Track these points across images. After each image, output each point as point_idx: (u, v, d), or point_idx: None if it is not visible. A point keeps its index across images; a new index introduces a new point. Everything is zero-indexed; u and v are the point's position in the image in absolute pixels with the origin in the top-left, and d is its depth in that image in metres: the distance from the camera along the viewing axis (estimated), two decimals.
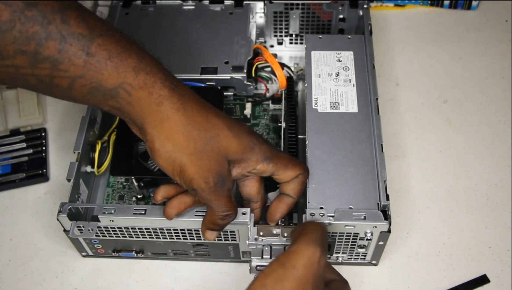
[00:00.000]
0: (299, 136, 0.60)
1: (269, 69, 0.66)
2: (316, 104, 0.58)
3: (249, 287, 0.39)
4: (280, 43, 0.74)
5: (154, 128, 0.45)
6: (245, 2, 0.69)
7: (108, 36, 0.43)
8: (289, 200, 0.51)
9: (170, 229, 0.53)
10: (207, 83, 0.63)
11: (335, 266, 0.57)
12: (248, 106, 0.67)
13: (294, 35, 0.73)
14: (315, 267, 0.40)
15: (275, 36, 0.74)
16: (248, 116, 0.67)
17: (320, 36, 0.64)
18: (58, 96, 0.45)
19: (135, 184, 0.60)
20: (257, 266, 0.50)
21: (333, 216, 0.50)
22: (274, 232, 0.50)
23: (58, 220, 0.52)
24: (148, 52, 0.46)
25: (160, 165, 0.46)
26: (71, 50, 0.41)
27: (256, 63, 0.64)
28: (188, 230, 0.53)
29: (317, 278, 0.40)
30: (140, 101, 0.44)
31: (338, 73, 0.61)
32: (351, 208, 0.51)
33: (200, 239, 0.54)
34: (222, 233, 0.52)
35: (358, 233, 0.51)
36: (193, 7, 0.69)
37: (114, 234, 0.54)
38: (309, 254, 0.40)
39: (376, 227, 0.50)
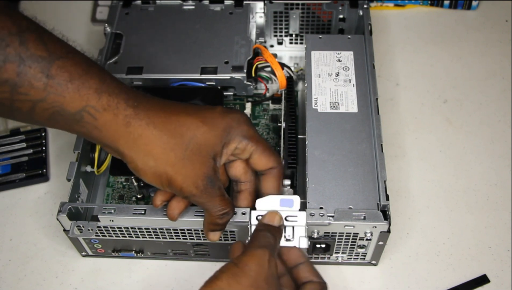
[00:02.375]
0: (299, 136, 0.60)
1: (269, 69, 0.66)
2: (316, 104, 0.58)
3: (206, 282, 0.41)
4: (280, 43, 0.74)
5: (129, 149, 0.44)
6: (245, 2, 0.69)
7: (68, 58, 0.42)
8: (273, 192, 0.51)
9: (170, 229, 0.53)
10: (207, 83, 0.63)
11: (335, 266, 0.58)
12: (248, 106, 0.67)
13: (294, 35, 0.73)
14: (266, 266, 0.43)
15: (275, 36, 0.74)
16: (248, 116, 0.67)
17: (320, 36, 0.64)
18: (20, 120, 0.44)
19: (135, 184, 0.60)
20: None
21: (333, 216, 0.50)
22: None
23: (58, 220, 0.53)
24: (109, 73, 0.45)
25: (148, 181, 0.46)
26: (31, 73, 0.40)
27: (256, 63, 0.64)
28: (188, 230, 0.53)
29: (269, 276, 0.43)
30: (107, 124, 0.43)
31: (338, 73, 0.61)
32: (350, 208, 0.51)
33: (200, 239, 0.54)
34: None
35: (358, 233, 0.51)
36: (193, 7, 0.69)
37: (114, 234, 0.54)
38: (259, 256, 0.43)
39: (376, 227, 0.50)
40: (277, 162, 0.50)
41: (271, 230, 0.47)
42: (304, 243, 0.49)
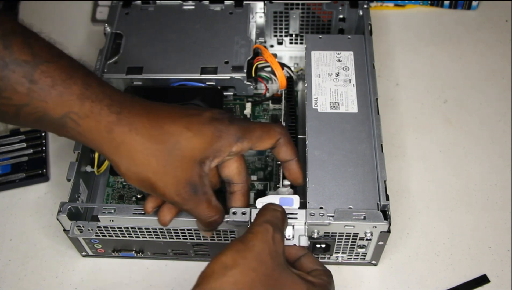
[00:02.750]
0: (299, 136, 0.60)
1: (269, 69, 0.66)
2: (316, 104, 0.58)
3: (212, 259, 0.41)
4: (280, 43, 0.74)
5: (113, 154, 0.44)
6: (245, 2, 0.69)
7: (53, 62, 0.42)
8: (293, 163, 0.51)
9: (170, 229, 0.53)
10: (207, 83, 0.63)
11: (335, 266, 0.58)
12: (248, 106, 0.67)
13: (294, 35, 0.73)
14: (270, 242, 0.42)
15: (275, 36, 0.74)
16: (248, 116, 0.67)
17: (320, 36, 0.64)
18: (10, 123, 0.44)
19: None
20: None
21: (333, 216, 0.50)
22: None
23: (58, 220, 0.53)
24: (96, 77, 0.45)
25: (133, 185, 0.46)
26: (14, 77, 0.40)
27: (256, 63, 0.64)
28: (188, 230, 0.53)
29: (274, 252, 0.42)
30: (90, 130, 0.43)
31: (338, 73, 0.61)
32: (350, 208, 0.51)
33: (200, 239, 0.54)
34: (222, 233, 0.53)
35: (358, 233, 0.51)
36: (193, 7, 0.69)
37: (114, 234, 0.54)
38: (262, 232, 0.43)
39: (376, 227, 0.50)
40: (277, 132, 0.49)
41: (276, 209, 0.47)
42: (304, 242, 0.49)
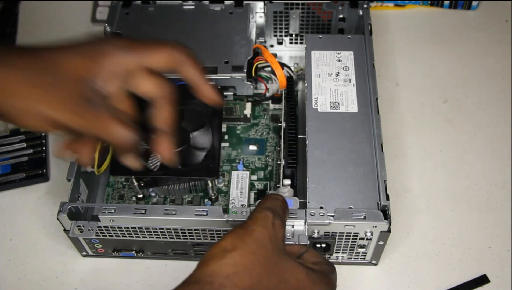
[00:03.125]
0: (299, 136, 0.60)
1: (269, 69, 0.66)
2: (316, 104, 0.58)
3: (214, 245, 0.41)
4: (280, 43, 0.74)
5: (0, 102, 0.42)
6: (245, 2, 0.69)
7: None
8: (202, 85, 0.49)
9: (170, 229, 0.53)
10: None
11: (335, 266, 0.57)
12: (248, 106, 0.67)
13: (294, 35, 0.73)
14: (270, 228, 0.43)
15: (275, 36, 0.74)
16: (248, 116, 0.67)
17: (320, 36, 0.65)
18: None
19: (135, 183, 0.60)
20: None
21: (333, 216, 0.50)
22: None
23: (58, 219, 0.53)
24: None
25: (30, 127, 0.44)
26: None
27: (256, 63, 0.64)
28: (188, 229, 0.53)
29: (273, 237, 0.42)
30: None
31: (338, 73, 0.61)
32: (351, 208, 0.51)
33: (200, 239, 0.54)
34: (222, 232, 0.53)
35: (358, 233, 0.51)
36: (193, 7, 0.69)
37: (114, 233, 0.54)
38: (262, 218, 0.43)
39: (376, 227, 0.50)
40: (173, 47, 0.47)
41: (277, 197, 0.47)
42: (304, 240, 0.49)
